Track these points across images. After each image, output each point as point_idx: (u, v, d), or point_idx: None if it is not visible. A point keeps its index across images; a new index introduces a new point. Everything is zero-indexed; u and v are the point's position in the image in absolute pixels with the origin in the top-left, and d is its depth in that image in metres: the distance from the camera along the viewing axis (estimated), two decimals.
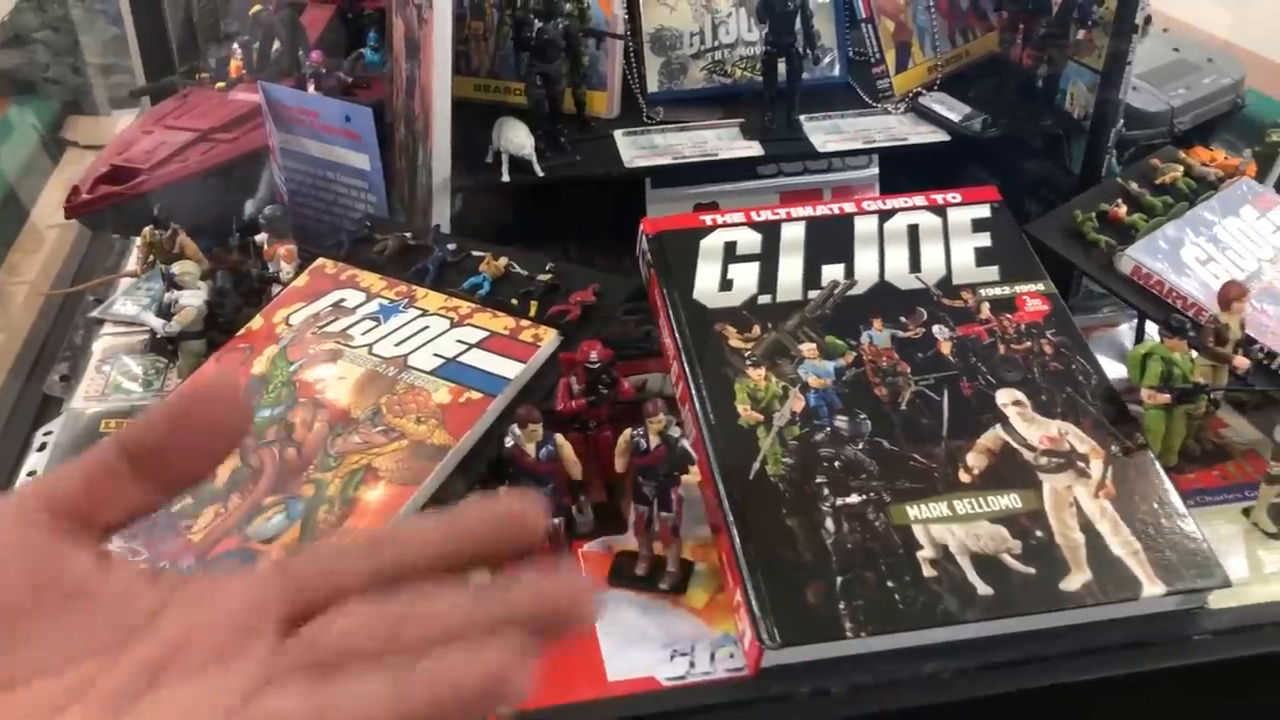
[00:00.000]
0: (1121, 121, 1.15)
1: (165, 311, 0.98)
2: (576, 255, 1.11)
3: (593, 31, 1.08)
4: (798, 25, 1.07)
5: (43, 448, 0.99)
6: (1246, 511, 0.90)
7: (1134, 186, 1.12)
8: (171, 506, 0.84)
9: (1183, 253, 1.04)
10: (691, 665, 0.78)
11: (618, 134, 1.13)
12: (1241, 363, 0.91)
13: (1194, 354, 0.90)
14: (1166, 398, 0.87)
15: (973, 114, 1.12)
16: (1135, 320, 1.08)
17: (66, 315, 1.19)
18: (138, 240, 1.11)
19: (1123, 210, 1.08)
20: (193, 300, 0.98)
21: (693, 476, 0.85)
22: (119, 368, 1.10)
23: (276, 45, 1.39)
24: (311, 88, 1.24)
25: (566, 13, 1.05)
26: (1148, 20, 1.51)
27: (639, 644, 0.79)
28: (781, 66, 1.09)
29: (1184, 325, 0.88)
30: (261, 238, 1.08)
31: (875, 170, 1.20)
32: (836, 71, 1.20)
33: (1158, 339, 0.93)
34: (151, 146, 1.22)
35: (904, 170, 1.18)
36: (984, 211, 1.05)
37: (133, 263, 1.18)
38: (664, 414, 0.79)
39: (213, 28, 1.49)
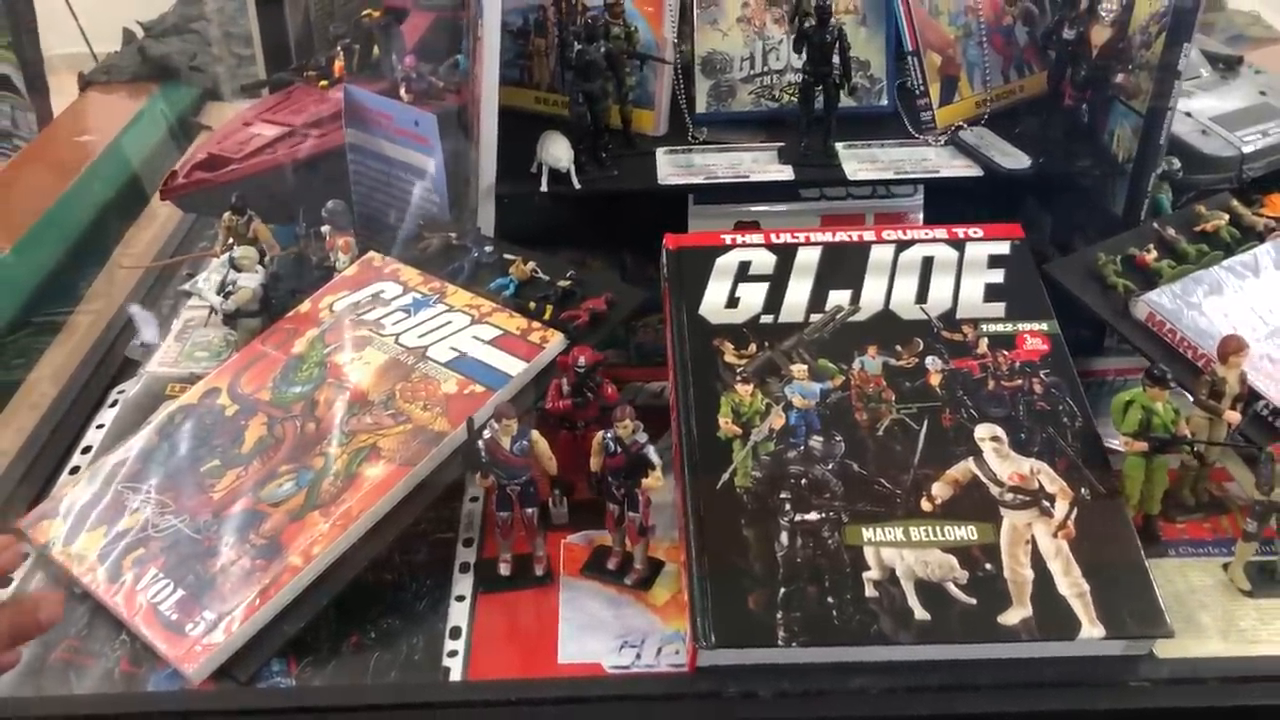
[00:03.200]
0: (1164, 165, 1.15)
1: (225, 291, 1.08)
2: (628, 264, 1.17)
3: (637, 54, 1.13)
4: (835, 56, 1.10)
5: (114, 404, 1.11)
6: (1226, 566, 0.89)
7: (1171, 232, 1.11)
8: (201, 466, 0.94)
9: (1205, 303, 1.03)
10: (638, 657, 0.83)
11: (660, 151, 1.18)
12: (1232, 417, 0.90)
13: (1179, 404, 0.90)
14: (1143, 445, 0.88)
15: (1011, 151, 1.13)
16: None
17: (160, 287, 1.32)
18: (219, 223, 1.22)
19: (1150, 256, 1.07)
20: (249, 282, 1.07)
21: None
22: (195, 338, 1.21)
23: (376, 49, 1.50)
24: (403, 91, 1.34)
25: (613, 35, 1.11)
26: (1239, 60, 1.49)
27: (594, 633, 0.85)
28: (820, 95, 1.12)
29: (1165, 375, 0.88)
30: (325, 229, 1.18)
31: (920, 199, 1.22)
32: (885, 101, 1.22)
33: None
34: (246, 138, 1.33)
35: (952, 201, 1.20)
36: (1003, 249, 1.06)
37: (217, 245, 1.29)
38: (631, 420, 0.84)
39: (325, 30, 1.61)
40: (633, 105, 1.18)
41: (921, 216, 1.23)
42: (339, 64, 1.53)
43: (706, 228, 1.21)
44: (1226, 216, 1.14)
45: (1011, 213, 1.21)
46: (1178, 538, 0.93)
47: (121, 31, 2.27)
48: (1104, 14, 1.08)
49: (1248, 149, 1.30)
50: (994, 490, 0.87)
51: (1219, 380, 0.92)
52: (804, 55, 1.10)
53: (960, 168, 1.14)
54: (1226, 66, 1.48)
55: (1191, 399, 0.93)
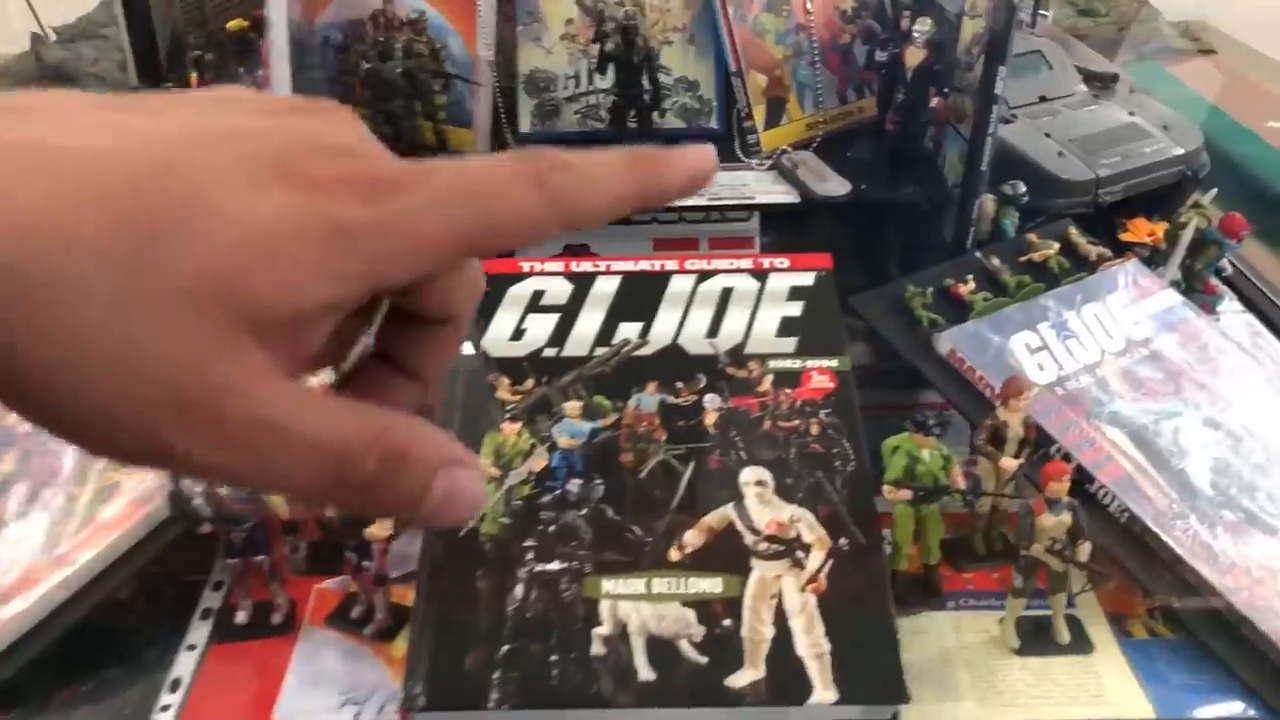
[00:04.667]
0: (1008, 190, 1.10)
1: None
2: None
3: (440, 73, 1.09)
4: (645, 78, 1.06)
5: None
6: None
7: (995, 262, 1.07)
8: None
9: (1013, 340, 0.98)
10: (357, 715, 0.79)
11: None
12: (1007, 464, 0.86)
13: (952, 450, 0.85)
14: (906, 494, 0.84)
15: (831, 177, 1.09)
16: None
17: None
18: None
19: (966, 288, 1.03)
20: None
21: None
22: None
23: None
24: None
25: (416, 53, 1.07)
26: (1114, 78, 1.44)
27: (321, 687, 0.81)
28: (634, 118, 1.08)
29: (927, 421, 0.84)
30: None
31: (755, 224, 1.18)
32: (715, 123, 1.18)
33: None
34: None
35: (789, 227, 1.16)
36: (806, 280, 1.02)
37: None
38: None
39: (187, 41, 1.58)
40: (448, 125, 1.13)
41: (757, 242, 1.19)
42: (194, 78, 1.50)
43: (534, 252, 1.17)
44: (1056, 245, 1.10)
45: (851, 239, 1.18)
46: (963, 589, 0.89)
47: (30, 35, 2.24)
48: (916, 35, 1.03)
49: (1103, 172, 1.26)
50: (749, 539, 0.83)
51: (1000, 424, 0.87)
52: (610, 76, 1.06)
53: (778, 194, 1.10)
54: (1102, 84, 1.44)
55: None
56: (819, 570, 0.81)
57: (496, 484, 0.87)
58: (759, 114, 1.13)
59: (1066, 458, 0.89)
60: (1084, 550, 0.80)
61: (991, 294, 1.04)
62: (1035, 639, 0.84)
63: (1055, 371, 0.96)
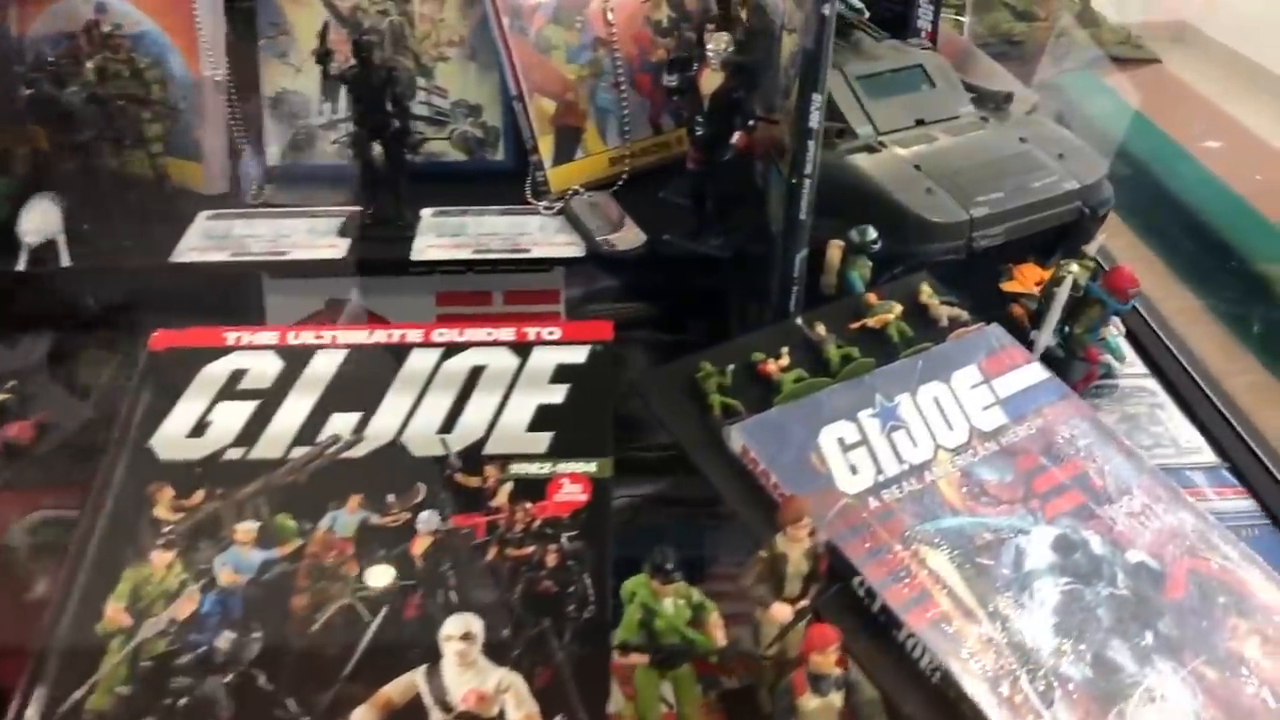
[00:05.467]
0: (855, 236, 0.91)
1: None
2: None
3: (137, 99, 0.89)
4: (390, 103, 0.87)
5: None
6: None
7: (820, 330, 0.88)
8: None
9: (825, 432, 0.79)
10: None
11: (203, 215, 0.94)
12: (780, 613, 0.66)
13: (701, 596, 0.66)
14: (641, 660, 0.64)
15: (628, 226, 0.90)
16: None
17: None
18: None
19: (777, 364, 0.84)
20: None
21: None
22: None
23: None
24: None
25: (113, 74, 0.87)
26: (1008, 98, 1.25)
27: None
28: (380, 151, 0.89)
29: (665, 562, 0.64)
30: None
31: (559, 276, 0.98)
32: (502, 155, 0.98)
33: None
34: None
35: (608, 276, 0.97)
36: (578, 356, 0.83)
37: None
38: None
39: None
40: (169, 157, 0.94)
41: (562, 298, 0.99)
42: None
43: (287, 308, 0.98)
44: (898, 308, 0.90)
45: (670, 294, 0.98)
46: None
47: None
48: (711, 55, 0.84)
49: (979, 212, 1.06)
50: (435, 717, 0.63)
51: (778, 556, 0.68)
52: (346, 102, 0.86)
53: (561, 245, 0.90)
54: (994, 105, 1.24)
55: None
56: None
57: (124, 637, 0.67)
58: (545, 146, 0.93)
59: (869, 594, 0.70)
60: None
61: (809, 371, 0.85)
62: None
63: (872, 475, 0.77)
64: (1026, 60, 1.89)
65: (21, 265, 0.87)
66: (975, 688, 0.65)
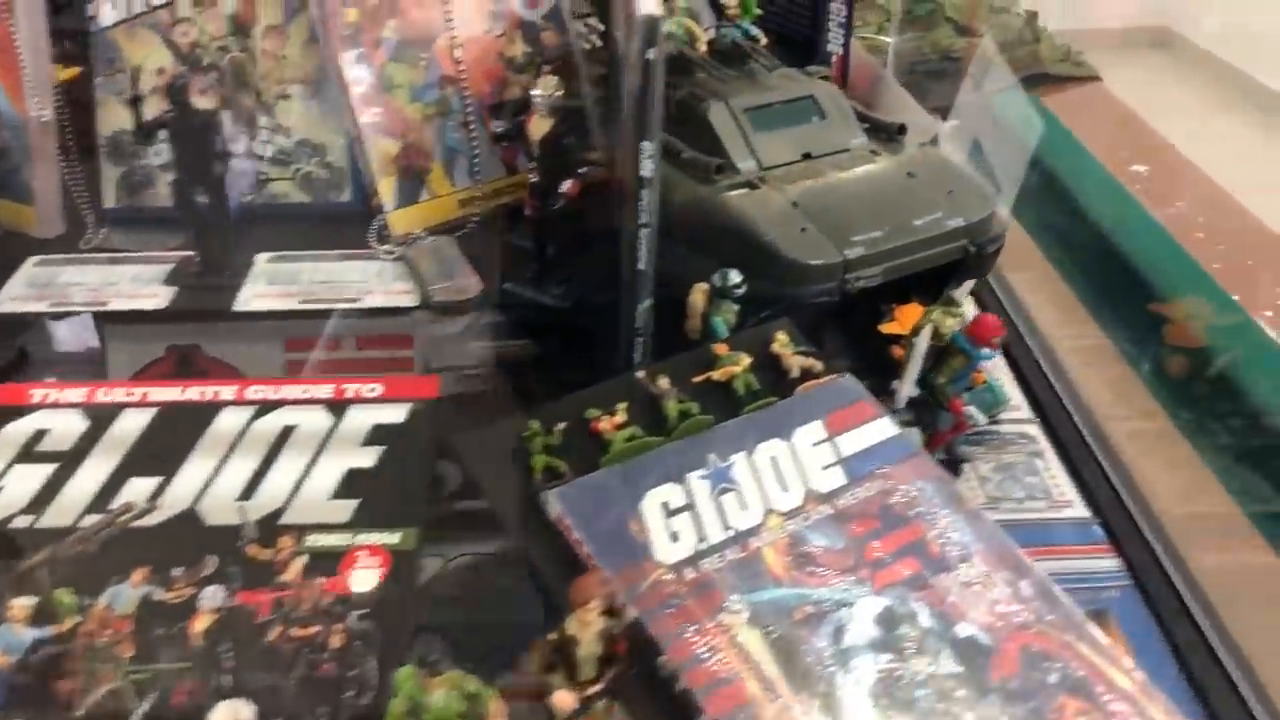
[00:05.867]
0: (717, 281, 0.88)
1: None
2: None
3: None
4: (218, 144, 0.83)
5: None
6: None
7: (662, 384, 0.84)
8: None
9: (650, 496, 0.75)
10: None
11: (31, 261, 0.91)
12: (561, 701, 0.63)
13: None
14: None
15: (462, 274, 0.86)
16: None
17: None
18: None
19: (610, 422, 0.80)
20: None
21: None
22: None
23: None
24: None
25: None
26: (901, 130, 1.21)
27: None
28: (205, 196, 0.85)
29: (430, 654, 0.61)
30: None
31: (412, 319, 0.95)
32: (348, 195, 0.95)
33: None
34: None
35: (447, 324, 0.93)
36: (397, 415, 0.79)
37: None
38: None
39: None
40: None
41: (415, 344, 0.96)
42: None
43: (128, 354, 0.94)
44: (746, 360, 0.87)
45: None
46: None
47: None
48: (538, 100, 0.80)
49: (853, 253, 1.03)
50: None
51: (567, 640, 0.64)
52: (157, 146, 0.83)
53: (397, 294, 0.87)
54: (888, 138, 1.21)
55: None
56: None
57: None
58: (387, 188, 0.90)
59: (674, 676, 0.67)
60: None
61: (649, 429, 0.81)
62: None
63: (693, 543, 0.73)
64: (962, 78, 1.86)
65: None
66: None
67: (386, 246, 0.90)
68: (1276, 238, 1.48)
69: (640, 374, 0.85)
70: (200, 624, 0.68)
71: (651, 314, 0.85)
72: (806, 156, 1.15)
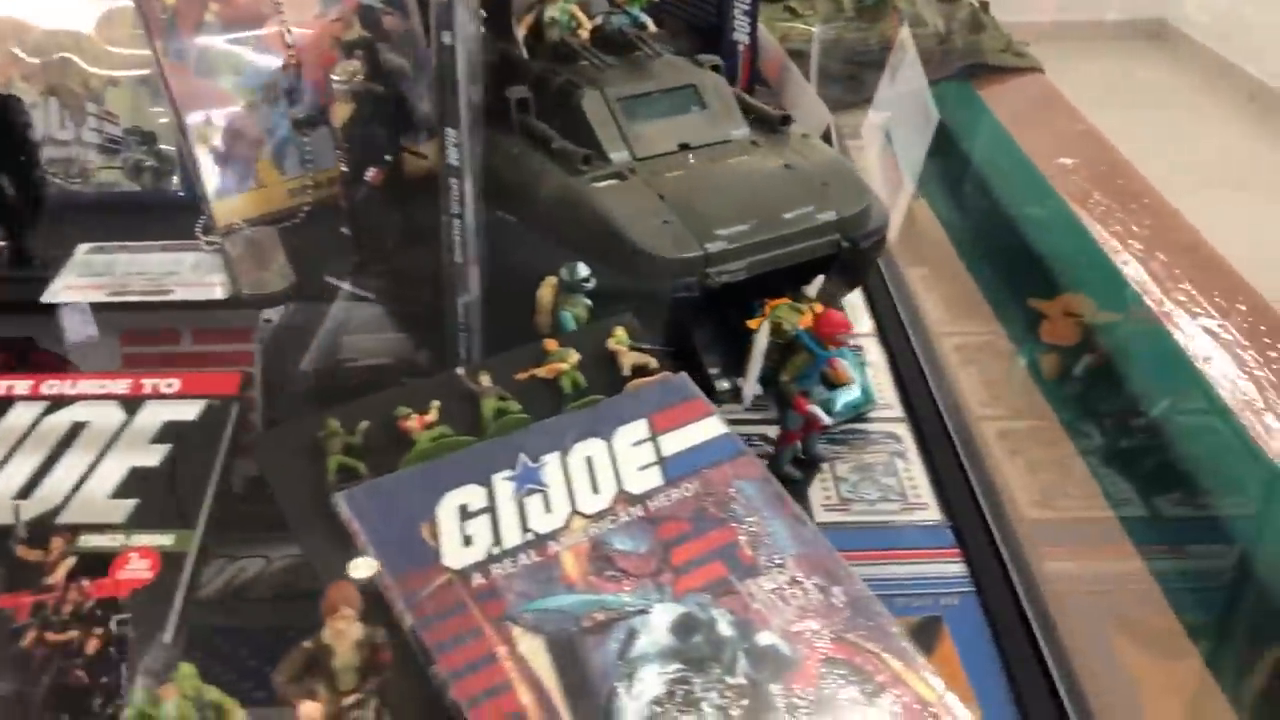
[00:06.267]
0: (564, 274, 0.86)
1: None
2: None
3: None
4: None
5: None
6: None
7: (483, 382, 0.81)
8: None
9: (448, 497, 0.73)
10: None
11: None
12: (308, 711, 0.60)
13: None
14: None
15: (276, 266, 0.83)
16: None
17: None
18: None
19: (419, 420, 0.77)
20: None
21: None
22: None
23: None
24: None
25: None
26: (784, 120, 1.18)
27: None
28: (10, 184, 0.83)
29: (155, 663, 0.58)
30: None
31: (255, 315, 0.92)
32: (178, 186, 0.92)
33: None
34: None
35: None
36: (190, 412, 0.76)
37: None
38: None
39: None
40: None
41: (255, 337, 0.93)
42: None
43: None
44: (575, 356, 0.84)
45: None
46: None
47: None
48: (337, 84, 0.77)
49: (714, 247, 1.00)
50: None
51: (321, 650, 0.61)
52: None
53: (209, 286, 0.84)
54: (771, 129, 1.18)
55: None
56: None
57: None
58: (210, 177, 0.87)
59: (443, 687, 0.64)
60: None
61: (459, 429, 0.78)
62: None
63: (486, 548, 0.71)
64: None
65: None
66: None
67: (208, 238, 0.87)
68: (1196, 235, 1.45)
69: (459, 370, 0.82)
70: None
71: (479, 309, 0.82)
72: (684, 147, 1.12)
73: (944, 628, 0.81)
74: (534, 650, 0.66)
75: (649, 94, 1.14)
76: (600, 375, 0.85)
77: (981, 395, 1.06)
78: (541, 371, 0.83)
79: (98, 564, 0.68)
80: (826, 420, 0.90)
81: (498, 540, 0.71)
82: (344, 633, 0.61)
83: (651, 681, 0.66)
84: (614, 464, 0.77)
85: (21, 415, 0.76)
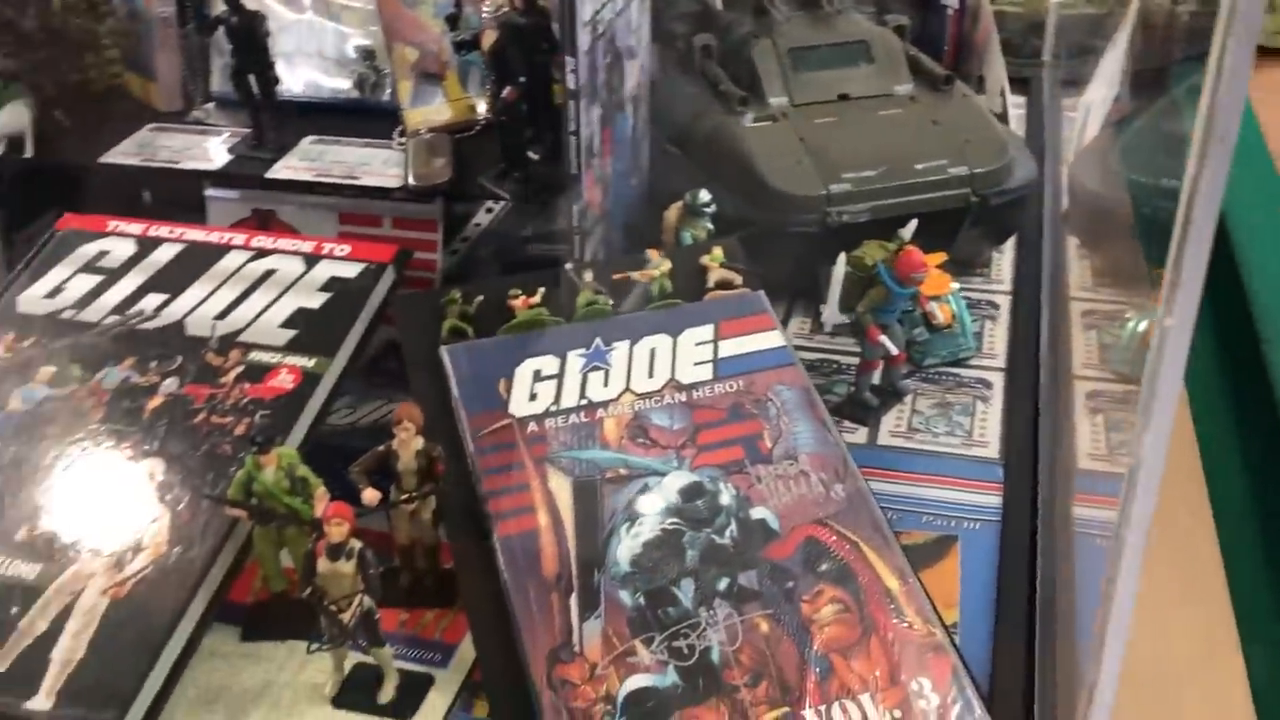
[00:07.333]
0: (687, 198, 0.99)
1: None
2: None
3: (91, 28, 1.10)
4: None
5: None
6: None
7: (586, 278, 0.96)
8: None
9: (526, 363, 0.88)
10: None
11: (147, 128, 1.15)
12: (369, 496, 0.77)
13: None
14: (240, 513, 0.77)
15: (440, 164, 1.01)
16: None
17: None
18: None
19: (524, 301, 0.93)
20: None
21: None
22: None
23: None
24: None
25: (70, 5, 1.08)
26: (949, 79, 1.24)
27: None
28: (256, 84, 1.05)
29: (259, 435, 0.77)
30: None
31: (436, 209, 1.12)
32: (388, 96, 1.12)
33: None
34: None
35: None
36: (351, 271, 0.96)
37: None
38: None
39: None
40: (133, 75, 1.15)
41: (440, 227, 1.13)
42: None
43: (221, 213, 1.17)
44: (667, 265, 0.97)
45: None
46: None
47: None
48: (487, 13, 0.93)
49: (837, 188, 1.10)
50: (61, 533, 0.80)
51: (391, 453, 0.79)
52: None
53: (388, 177, 1.03)
54: (934, 87, 1.23)
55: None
56: (131, 576, 0.77)
57: None
58: (405, 90, 1.06)
59: (482, 500, 0.80)
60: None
61: (555, 312, 0.93)
62: (360, 691, 0.76)
63: (546, 404, 0.86)
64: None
65: None
66: (520, 600, 0.74)
67: (399, 139, 1.06)
68: None
69: (568, 265, 0.97)
70: (154, 403, 0.88)
71: (590, 215, 0.96)
72: (843, 98, 1.22)
73: (955, 546, 0.88)
74: (560, 487, 0.80)
75: (817, 47, 1.24)
76: (690, 285, 0.97)
77: (1087, 357, 1.09)
78: (635, 275, 0.96)
79: (258, 373, 0.88)
80: (894, 351, 0.98)
81: (557, 401, 0.86)
82: (406, 442, 0.78)
83: (648, 528, 0.79)
84: (674, 357, 0.90)
85: (234, 260, 0.98)
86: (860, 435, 1.00)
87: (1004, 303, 1.20)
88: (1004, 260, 1.27)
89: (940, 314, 1.05)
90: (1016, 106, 1.55)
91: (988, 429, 1.00)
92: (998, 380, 1.07)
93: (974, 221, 1.15)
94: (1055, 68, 1.67)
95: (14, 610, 0.76)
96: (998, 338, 1.14)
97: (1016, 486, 0.92)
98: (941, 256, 1.12)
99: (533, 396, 0.86)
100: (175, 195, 1.17)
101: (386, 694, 0.76)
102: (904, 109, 1.20)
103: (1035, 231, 1.28)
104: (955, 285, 1.10)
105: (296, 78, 1.15)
